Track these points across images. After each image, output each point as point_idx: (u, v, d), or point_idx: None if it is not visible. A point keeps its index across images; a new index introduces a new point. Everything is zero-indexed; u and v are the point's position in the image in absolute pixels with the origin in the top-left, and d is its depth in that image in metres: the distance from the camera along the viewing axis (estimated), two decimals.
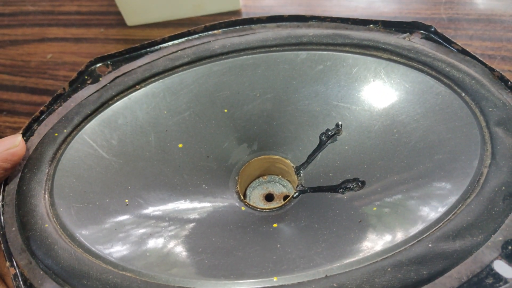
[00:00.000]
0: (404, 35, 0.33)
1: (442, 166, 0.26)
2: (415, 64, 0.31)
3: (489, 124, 0.26)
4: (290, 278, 0.22)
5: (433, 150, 0.28)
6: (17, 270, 0.24)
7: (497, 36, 0.45)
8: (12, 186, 0.28)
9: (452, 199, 0.24)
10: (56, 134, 0.30)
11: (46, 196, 0.27)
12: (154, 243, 0.27)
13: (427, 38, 0.32)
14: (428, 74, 0.30)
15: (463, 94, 0.28)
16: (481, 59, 0.30)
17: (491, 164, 0.24)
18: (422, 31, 0.33)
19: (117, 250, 0.25)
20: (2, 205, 0.27)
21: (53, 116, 0.32)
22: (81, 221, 0.26)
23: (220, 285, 0.22)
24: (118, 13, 0.56)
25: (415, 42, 0.32)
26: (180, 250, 0.26)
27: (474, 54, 0.30)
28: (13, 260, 0.24)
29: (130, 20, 0.55)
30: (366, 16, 0.35)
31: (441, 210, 0.24)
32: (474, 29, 0.47)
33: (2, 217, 0.26)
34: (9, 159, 0.27)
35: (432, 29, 0.32)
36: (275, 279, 0.22)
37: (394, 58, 0.31)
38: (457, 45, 0.31)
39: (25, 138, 0.30)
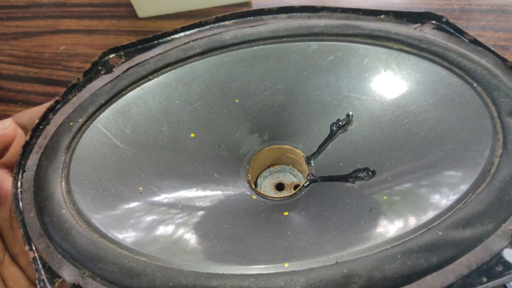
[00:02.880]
0: (416, 25, 0.33)
1: (453, 156, 0.26)
2: (426, 55, 0.30)
3: (501, 114, 0.26)
4: (301, 264, 0.22)
5: (444, 140, 0.28)
6: (36, 254, 0.24)
7: (509, 27, 0.45)
8: (30, 173, 0.28)
9: (463, 188, 0.24)
10: (71, 123, 0.30)
11: (63, 183, 0.27)
12: (167, 229, 0.27)
13: (438, 28, 0.32)
14: (439, 64, 0.30)
15: (475, 84, 0.28)
16: (493, 49, 0.29)
17: (502, 154, 0.24)
18: (434, 22, 0.33)
19: (131, 236, 0.26)
20: (21, 191, 0.28)
21: (68, 105, 0.32)
22: (96, 207, 0.27)
23: (232, 270, 0.22)
24: (130, 5, 0.56)
25: (427, 32, 0.32)
26: (192, 236, 0.27)
27: (486, 45, 0.30)
28: (32, 244, 0.25)
29: (142, 12, 0.56)
30: (377, 7, 0.34)
31: (452, 198, 0.24)
32: (486, 20, 0.46)
33: (20, 203, 0.27)
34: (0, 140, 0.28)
35: (444, 20, 0.32)
36: (286, 265, 0.22)
37: (405, 48, 0.31)
38: (469, 35, 0.31)
39: (41, 127, 0.31)
